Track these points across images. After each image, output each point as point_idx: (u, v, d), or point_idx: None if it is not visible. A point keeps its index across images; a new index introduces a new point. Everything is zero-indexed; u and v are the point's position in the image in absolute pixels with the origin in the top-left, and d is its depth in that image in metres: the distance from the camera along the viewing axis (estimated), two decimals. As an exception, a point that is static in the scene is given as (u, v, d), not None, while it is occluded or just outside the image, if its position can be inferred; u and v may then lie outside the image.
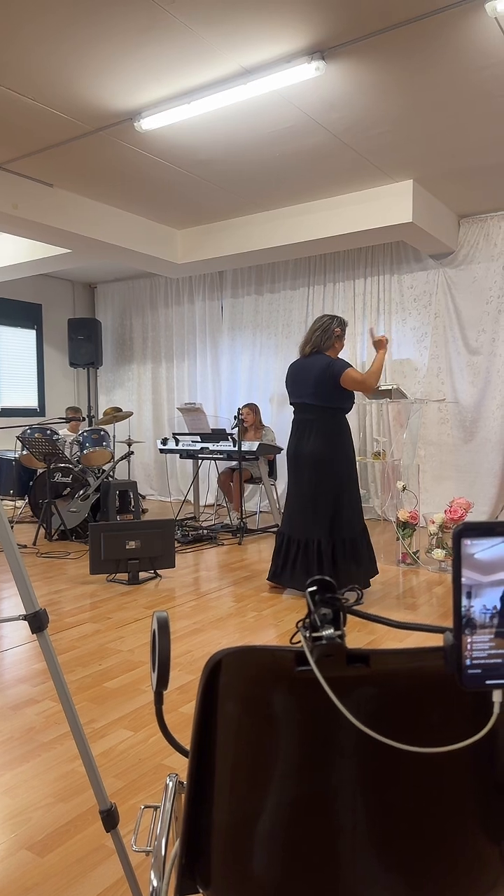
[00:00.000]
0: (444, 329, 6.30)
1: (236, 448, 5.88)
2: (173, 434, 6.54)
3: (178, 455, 7.71)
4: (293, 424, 3.98)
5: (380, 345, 3.97)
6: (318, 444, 3.82)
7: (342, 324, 3.92)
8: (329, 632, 0.71)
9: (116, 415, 6.32)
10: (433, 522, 4.61)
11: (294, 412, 3.99)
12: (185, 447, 6.34)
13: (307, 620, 0.74)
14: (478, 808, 0.77)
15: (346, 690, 0.73)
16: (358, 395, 6.76)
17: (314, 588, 0.75)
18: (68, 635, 3.33)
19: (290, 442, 3.96)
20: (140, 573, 4.42)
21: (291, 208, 5.81)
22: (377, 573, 3.94)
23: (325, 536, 3.80)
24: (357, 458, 6.49)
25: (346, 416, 3.92)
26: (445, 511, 4.62)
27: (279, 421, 7.32)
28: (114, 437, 6.50)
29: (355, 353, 6.86)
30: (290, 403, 3.99)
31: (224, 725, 0.78)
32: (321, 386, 3.79)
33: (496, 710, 0.69)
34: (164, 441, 6.51)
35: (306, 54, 3.42)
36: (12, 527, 6.41)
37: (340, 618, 0.74)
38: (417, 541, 4.91)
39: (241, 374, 7.69)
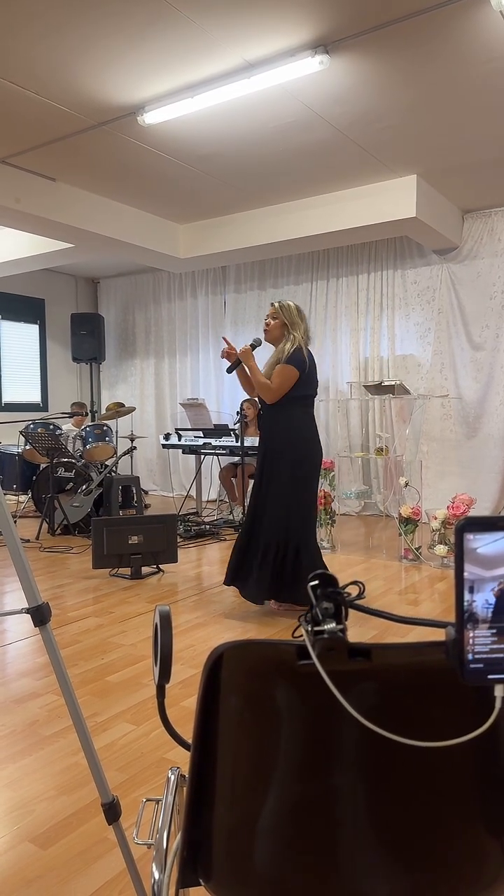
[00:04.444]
0: (448, 324, 6.28)
1: (239, 443, 5.88)
2: (176, 429, 6.54)
3: (180, 450, 7.70)
4: (312, 418, 3.61)
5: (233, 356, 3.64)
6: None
7: None
8: (331, 626, 0.72)
9: (119, 410, 6.32)
10: (435, 518, 4.61)
11: (309, 406, 3.60)
12: (187, 442, 6.34)
13: (309, 614, 0.74)
14: (479, 802, 0.77)
15: (347, 684, 0.73)
16: (360, 390, 6.75)
17: (316, 582, 0.75)
18: (71, 629, 3.34)
19: (317, 435, 3.62)
20: (142, 568, 4.42)
21: (295, 203, 5.79)
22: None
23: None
24: (360, 453, 6.49)
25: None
26: (448, 507, 4.62)
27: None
28: (116, 432, 6.50)
29: (357, 349, 6.85)
30: (311, 396, 3.60)
31: (226, 719, 0.78)
32: None
33: (498, 704, 0.69)
34: (167, 436, 6.51)
35: (310, 48, 3.41)
36: (15, 521, 6.43)
37: (342, 612, 0.74)
38: (420, 537, 4.91)
39: (243, 369, 7.68)
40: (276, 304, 3.61)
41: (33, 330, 8.37)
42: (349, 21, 3.19)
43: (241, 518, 5.79)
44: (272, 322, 3.59)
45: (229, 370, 3.67)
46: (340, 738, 0.75)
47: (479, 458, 6.17)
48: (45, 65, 3.55)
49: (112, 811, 1.35)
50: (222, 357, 3.70)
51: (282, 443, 3.49)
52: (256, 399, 3.76)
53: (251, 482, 7.08)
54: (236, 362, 3.61)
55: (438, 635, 0.74)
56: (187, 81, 3.74)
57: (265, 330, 3.62)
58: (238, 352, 3.57)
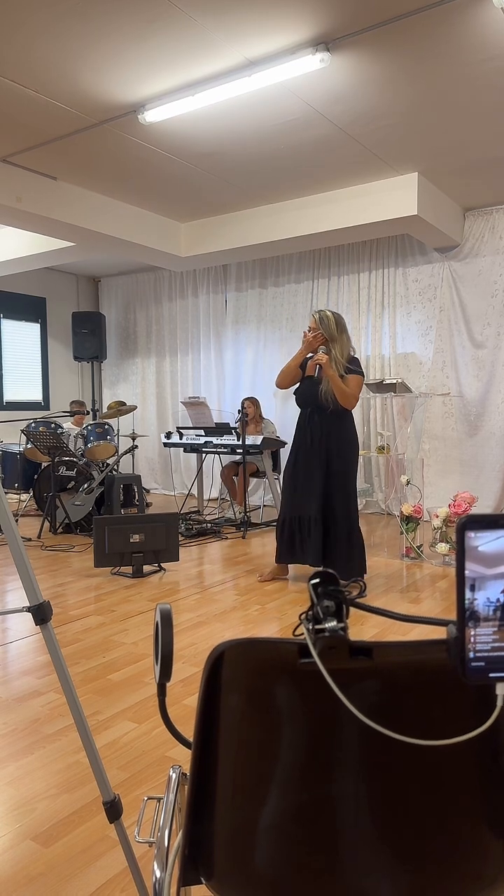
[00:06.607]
0: (449, 323, 6.27)
1: (240, 442, 5.88)
2: (177, 428, 6.54)
3: (181, 449, 7.71)
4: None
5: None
6: None
7: None
8: (332, 624, 0.71)
9: (120, 409, 6.32)
10: (437, 516, 4.60)
11: None
12: (188, 441, 6.34)
13: (310, 613, 0.74)
14: (481, 801, 0.77)
15: (349, 683, 0.73)
16: (364, 388, 6.73)
17: (317, 580, 0.75)
18: (73, 628, 3.35)
19: None
20: (144, 566, 4.42)
21: (296, 201, 5.78)
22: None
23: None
24: (361, 452, 6.48)
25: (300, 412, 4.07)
26: (449, 505, 4.61)
27: (283, 415, 7.31)
28: (118, 430, 6.50)
29: (359, 347, 6.84)
30: None
31: (227, 717, 0.78)
32: None
33: (500, 702, 0.69)
34: (168, 435, 6.51)
35: (311, 46, 3.40)
36: (17, 520, 6.43)
37: (343, 610, 0.73)
38: (421, 535, 4.90)
39: (245, 368, 7.68)
40: (317, 316, 3.89)
41: (34, 329, 8.37)
42: (350, 18, 3.19)
43: (243, 517, 5.79)
44: (314, 336, 3.87)
45: (314, 375, 3.87)
46: (342, 737, 0.75)
47: (480, 456, 6.16)
48: (45, 63, 3.54)
49: (113, 809, 1.35)
50: (313, 361, 3.86)
51: (345, 440, 3.92)
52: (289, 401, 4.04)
53: (252, 481, 7.10)
54: (318, 368, 3.84)
55: (440, 634, 0.74)
56: (188, 79, 3.73)
57: (310, 339, 3.86)
58: (322, 362, 3.78)
